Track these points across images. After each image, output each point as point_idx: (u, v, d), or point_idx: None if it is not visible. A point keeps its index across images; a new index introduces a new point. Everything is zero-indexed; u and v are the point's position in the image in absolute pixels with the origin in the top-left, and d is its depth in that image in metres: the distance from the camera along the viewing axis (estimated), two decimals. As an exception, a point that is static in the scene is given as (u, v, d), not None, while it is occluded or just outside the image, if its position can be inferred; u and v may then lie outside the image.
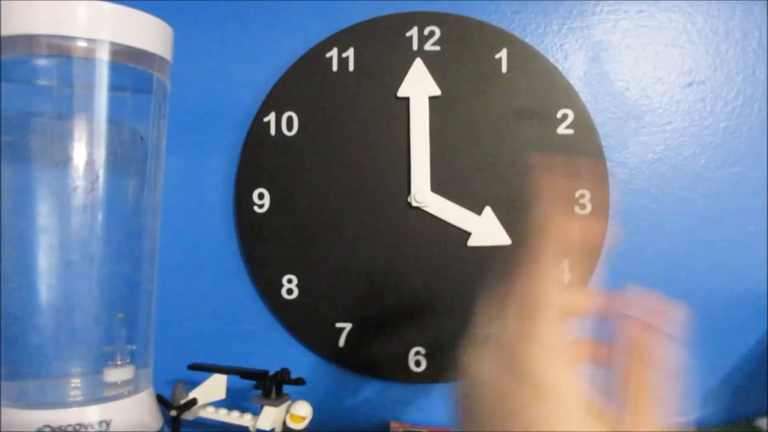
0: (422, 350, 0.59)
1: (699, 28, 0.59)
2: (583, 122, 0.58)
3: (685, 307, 0.54)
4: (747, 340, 0.58)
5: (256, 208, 0.60)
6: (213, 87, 0.61)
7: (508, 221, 0.58)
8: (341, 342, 0.60)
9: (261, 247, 0.60)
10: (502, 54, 0.59)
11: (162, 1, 0.60)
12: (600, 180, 0.58)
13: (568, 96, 0.58)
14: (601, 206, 0.58)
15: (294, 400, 0.49)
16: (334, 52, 0.60)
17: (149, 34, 0.44)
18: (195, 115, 0.61)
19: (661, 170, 0.59)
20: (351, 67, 0.60)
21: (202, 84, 0.61)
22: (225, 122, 0.61)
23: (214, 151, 0.61)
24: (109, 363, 0.45)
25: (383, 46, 0.59)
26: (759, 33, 0.58)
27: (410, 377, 0.59)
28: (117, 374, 0.45)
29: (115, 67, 0.43)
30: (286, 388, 0.50)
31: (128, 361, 0.46)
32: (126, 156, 0.44)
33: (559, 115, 0.58)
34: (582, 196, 0.58)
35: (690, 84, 0.59)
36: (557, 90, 0.58)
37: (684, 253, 0.59)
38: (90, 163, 0.42)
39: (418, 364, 0.59)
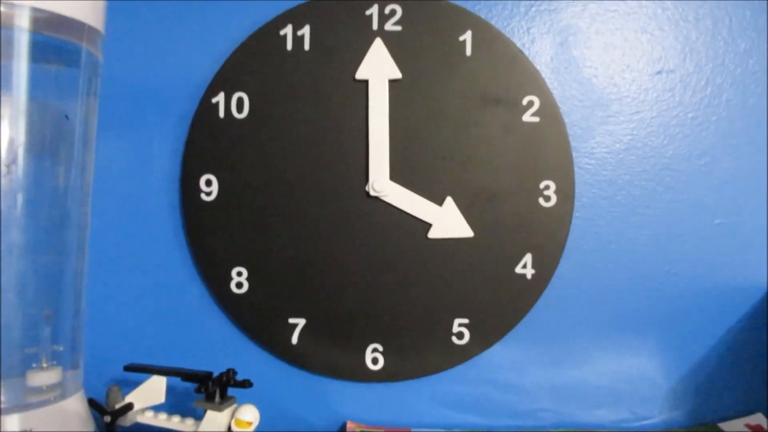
0: (380, 347, 0.56)
1: (669, 14, 0.57)
2: (550, 110, 0.56)
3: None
4: (712, 339, 0.57)
5: (203, 196, 0.56)
6: (157, 65, 0.56)
7: (470, 213, 0.56)
8: (294, 339, 0.56)
9: (208, 238, 0.56)
10: (467, 36, 0.56)
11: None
12: (565, 170, 0.56)
13: (534, 82, 0.56)
14: (566, 198, 0.56)
15: (240, 403, 0.46)
16: (288, 30, 0.56)
17: (77, 1, 0.39)
18: (137, 94, 0.56)
19: (628, 161, 0.57)
20: (307, 46, 0.56)
21: (144, 61, 0.56)
22: (170, 103, 0.56)
23: (157, 134, 0.57)
24: (33, 365, 0.41)
25: (341, 25, 0.56)
26: (729, 21, 0.57)
27: (367, 375, 0.56)
28: (41, 378, 0.41)
29: (37, 37, 0.38)
30: (233, 391, 0.47)
31: (54, 363, 0.42)
32: (49, 136, 0.40)
33: (524, 101, 0.56)
34: (547, 187, 0.56)
35: (659, 72, 0.57)
36: (523, 75, 0.56)
37: (650, 246, 0.57)
38: (7, 144, 0.38)
39: (375, 361, 0.56)
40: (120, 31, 0.56)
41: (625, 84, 0.57)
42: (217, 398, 0.45)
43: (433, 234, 0.56)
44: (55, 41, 0.39)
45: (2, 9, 0.36)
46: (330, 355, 0.56)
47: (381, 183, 0.55)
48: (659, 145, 0.57)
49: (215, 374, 0.47)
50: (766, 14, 0.57)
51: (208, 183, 0.56)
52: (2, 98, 0.38)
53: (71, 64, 0.41)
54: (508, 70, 0.56)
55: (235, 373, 0.47)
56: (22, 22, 0.37)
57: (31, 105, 0.39)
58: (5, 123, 0.37)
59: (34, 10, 0.37)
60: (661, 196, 0.57)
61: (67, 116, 0.40)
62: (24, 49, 0.38)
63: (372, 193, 0.55)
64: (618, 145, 0.57)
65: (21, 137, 0.38)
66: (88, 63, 0.42)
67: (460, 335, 0.56)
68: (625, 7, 0.57)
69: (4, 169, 0.37)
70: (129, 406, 0.45)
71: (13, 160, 0.37)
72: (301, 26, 0.56)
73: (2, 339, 0.40)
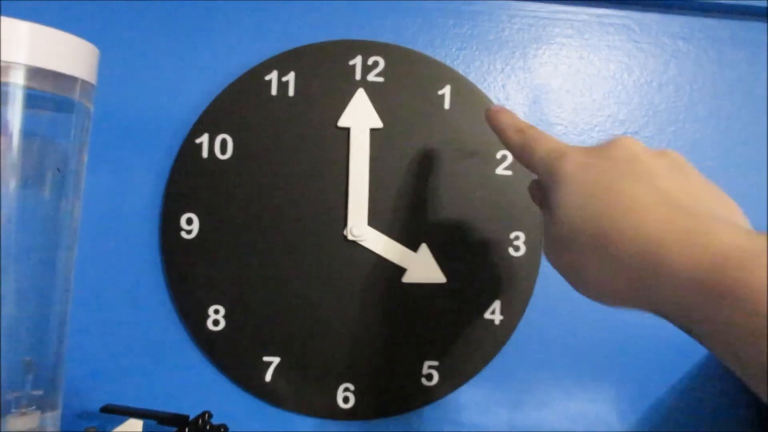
0: (351, 386, 0.58)
1: (635, 79, 0.60)
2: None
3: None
4: (667, 384, 0.60)
5: (183, 234, 0.57)
6: (142, 104, 0.57)
7: (443, 259, 0.58)
8: (268, 376, 0.58)
9: (187, 275, 0.57)
10: (446, 90, 0.58)
11: (90, 15, 0.56)
12: (534, 222, 0.58)
13: (508, 137, 0.58)
14: (534, 248, 0.59)
15: (216, 446, 0.47)
16: (274, 75, 0.57)
17: (72, 56, 0.40)
18: (121, 133, 0.57)
19: (593, 215, 0.60)
20: (291, 92, 0.57)
21: (130, 100, 0.57)
22: (153, 142, 0.57)
23: (140, 171, 0.57)
24: (12, 410, 0.41)
25: (325, 73, 0.58)
26: (690, 88, 0.61)
27: (338, 414, 0.58)
28: (20, 423, 0.41)
29: (32, 93, 0.39)
30: (208, 433, 0.48)
31: (33, 408, 0.42)
32: (41, 184, 0.41)
33: (498, 155, 0.58)
34: (516, 237, 0.58)
35: (624, 133, 0.60)
36: (498, 130, 0.58)
37: (610, 296, 0.60)
38: (-2, 196, 0.38)
39: (346, 400, 0.58)
40: (106, 70, 0.56)
41: (593, 142, 0.60)
42: (194, 442, 0.46)
43: (407, 278, 0.58)
44: (48, 96, 0.40)
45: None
46: (302, 393, 0.58)
47: (359, 228, 0.57)
48: (622, 201, 0.60)
49: (191, 415, 0.48)
50: (726, 82, 0.61)
51: (189, 221, 0.57)
52: (-5, 150, 0.38)
53: (63, 114, 0.42)
54: (484, 125, 0.58)
55: (210, 415, 0.48)
56: (17, 78, 0.38)
57: (22, 154, 0.39)
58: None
59: (30, 67, 0.38)
60: (623, 249, 0.60)
61: (59, 169, 0.41)
62: (18, 105, 0.39)
63: (350, 237, 0.57)
64: (584, 199, 0.60)
65: (11, 186, 0.39)
66: (80, 113, 0.43)
67: (429, 377, 0.58)
68: (594, 70, 0.60)
69: (-6, 223, 0.38)
70: (105, 449, 0.46)
71: (5, 213, 0.38)
72: (287, 72, 0.57)
73: (-17, 385, 0.40)
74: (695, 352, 0.60)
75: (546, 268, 0.58)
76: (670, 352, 0.60)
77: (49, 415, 0.44)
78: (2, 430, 0.41)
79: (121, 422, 0.47)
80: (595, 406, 0.60)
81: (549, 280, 0.60)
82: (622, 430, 0.60)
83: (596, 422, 0.60)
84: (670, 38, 0.61)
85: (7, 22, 0.37)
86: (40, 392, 0.43)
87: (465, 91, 0.58)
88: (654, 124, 0.60)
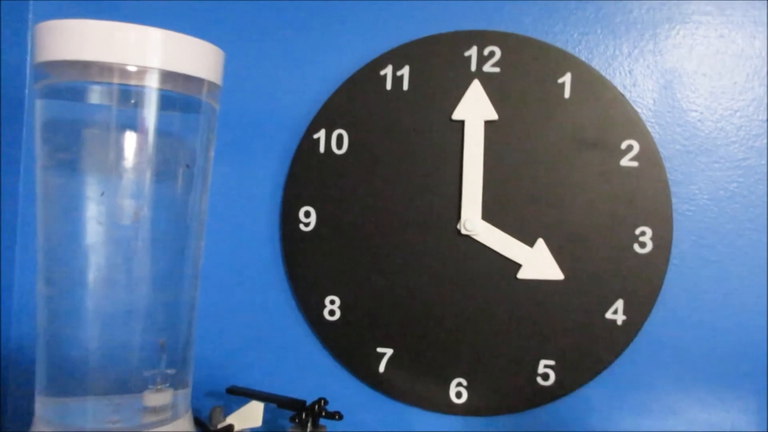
0: (464, 382, 0.58)
1: (785, 57, 0.54)
2: (650, 154, 0.54)
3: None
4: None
5: (302, 226, 0.59)
6: (263, 101, 0.60)
7: (561, 255, 0.56)
8: (381, 367, 0.58)
9: (305, 266, 0.59)
10: (566, 78, 0.56)
11: (216, 14, 0.60)
12: (663, 217, 0.54)
13: (634, 126, 0.55)
14: (662, 245, 0.54)
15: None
16: (388, 70, 0.58)
17: (199, 59, 0.43)
18: (244, 129, 0.60)
19: (732, 209, 0.55)
20: (405, 86, 0.58)
21: (251, 97, 0.60)
22: (274, 137, 0.60)
23: (261, 167, 0.60)
24: (149, 387, 0.45)
25: (440, 66, 0.57)
26: None
27: (451, 408, 0.58)
28: (156, 399, 0.45)
29: (164, 93, 0.42)
30: (324, 420, 0.50)
31: (168, 385, 0.46)
32: (173, 179, 0.44)
33: (623, 146, 0.55)
34: (642, 233, 0.55)
35: (771, 119, 0.54)
36: (623, 119, 0.55)
37: (749, 300, 0.55)
38: (136, 186, 0.42)
39: (459, 395, 0.58)
40: (231, 69, 0.60)
41: (733, 129, 0.55)
42: (309, 427, 0.48)
43: (522, 275, 0.56)
44: (179, 96, 0.43)
45: (135, 69, 0.40)
46: (415, 386, 0.58)
47: (473, 222, 0.56)
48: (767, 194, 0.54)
49: (308, 401, 0.50)
50: None
51: (307, 214, 0.59)
52: (132, 146, 0.42)
53: (192, 114, 0.45)
54: (607, 114, 0.55)
55: (326, 402, 0.49)
56: (152, 82, 0.41)
57: (156, 151, 0.43)
58: (135, 168, 0.42)
59: (163, 71, 0.41)
60: (766, 247, 0.54)
61: (188, 165, 0.44)
62: (153, 105, 0.42)
63: (463, 231, 0.56)
64: (722, 192, 0.55)
65: (148, 181, 0.42)
66: (206, 112, 0.46)
67: (545, 376, 0.56)
68: (736, 49, 0.55)
69: (133, 214, 0.41)
70: (230, 428, 0.49)
71: (142, 204, 0.42)
72: (401, 66, 0.58)
73: (123, 362, 0.44)
74: None
75: (676, 265, 0.54)
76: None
77: (180, 392, 0.47)
78: (142, 405, 0.45)
79: (244, 403, 0.50)
80: (730, 416, 0.55)
81: (679, 279, 0.55)
82: (763, 446, 0.55)
83: (733, 436, 0.55)
84: (829, 10, 0.54)
85: (142, 30, 0.40)
86: (173, 371, 0.46)
87: (587, 78, 0.55)
88: (808, 108, 0.54)
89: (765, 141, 0.54)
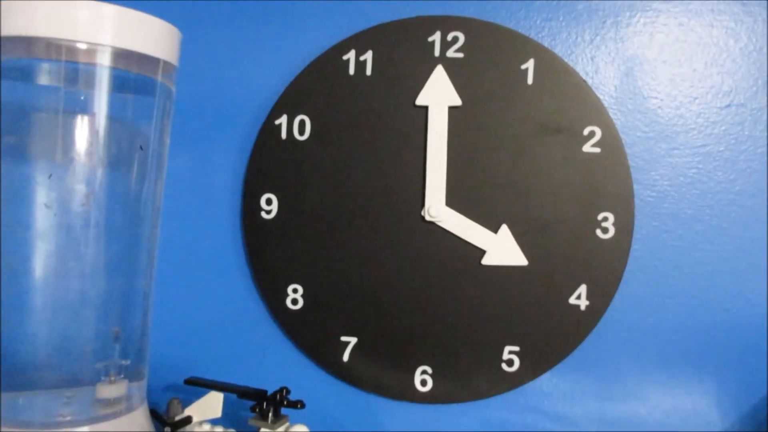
0: (429, 369, 0.57)
1: (742, 45, 0.55)
2: (611, 141, 0.55)
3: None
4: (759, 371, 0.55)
5: (263, 214, 0.58)
6: (223, 87, 0.59)
7: (525, 241, 0.56)
8: (346, 356, 0.58)
9: (267, 255, 0.58)
10: (529, 64, 0.55)
11: (173, 1, 0.58)
12: (625, 203, 0.55)
13: (596, 112, 0.55)
14: (624, 230, 0.55)
15: (293, 422, 0.48)
16: (351, 55, 0.57)
17: (155, 38, 0.41)
18: (203, 115, 0.59)
19: (692, 195, 0.56)
20: (369, 72, 0.57)
21: (211, 83, 0.59)
22: (234, 123, 0.58)
23: (221, 153, 0.59)
24: (102, 379, 0.43)
25: (403, 51, 0.56)
26: (807, 53, 0.54)
27: (415, 396, 0.57)
28: (110, 391, 0.43)
29: (117, 73, 0.40)
30: (286, 409, 0.49)
31: (122, 376, 0.44)
32: (126, 163, 0.42)
33: (586, 132, 0.55)
34: (605, 219, 0.55)
35: (728, 105, 0.55)
36: (585, 105, 0.55)
37: (710, 284, 0.55)
38: (87, 170, 0.40)
39: (424, 383, 0.57)
40: (189, 53, 0.58)
41: (692, 116, 0.55)
42: (271, 417, 0.47)
43: (487, 261, 0.56)
44: (133, 76, 0.41)
45: (86, 47, 0.39)
46: (380, 375, 0.57)
47: (437, 208, 0.56)
48: (726, 180, 0.55)
49: (269, 391, 0.48)
50: None
51: (269, 202, 0.58)
52: (83, 127, 0.40)
53: (147, 95, 0.43)
54: (570, 100, 0.55)
55: (288, 391, 0.48)
56: (104, 59, 0.39)
57: (108, 134, 0.41)
58: (86, 150, 0.40)
59: (115, 48, 0.39)
60: (725, 233, 0.55)
61: (141, 147, 0.42)
62: (104, 84, 0.40)
63: (427, 218, 0.56)
64: (682, 179, 0.56)
65: (100, 164, 0.40)
66: (162, 94, 0.44)
67: (510, 362, 0.56)
68: (696, 38, 0.55)
69: (83, 199, 0.40)
70: (188, 419, 0.48)
71: (92, 188, 0.40)
72: (364, 52, 0.57)
73: (75, 354, 0.42)
74: (809, 346, 0.55)
75: (638, 250, 0.55)
76: (778, 345, 0.55)
77: (136, 384, 0.46)
78: (95, 397, 0.43)
79: (203, 394, 0.49)
80: (692, 400, 0.56)
81: (641, 264, 0.56)
82: (722, 425, 0.56)
83: (693, 418, 0.56)
84: (784, -1, 0.55)
85: (93, 5, 0.38)
86: (128, 362, 0.45)
87: (550, 64, 0.55)
88: (762, 95, 0.55)
89: (723, 128, 0.55)
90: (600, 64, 0.56)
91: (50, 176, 0.39)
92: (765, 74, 0.55)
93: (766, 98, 0.55)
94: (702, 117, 0.55)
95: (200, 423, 0.49)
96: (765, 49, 0.55)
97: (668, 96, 0.56)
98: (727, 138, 0.55)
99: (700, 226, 0.56)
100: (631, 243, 0.55)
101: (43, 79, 0.40)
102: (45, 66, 0.40)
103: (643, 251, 0.56)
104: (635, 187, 0.56)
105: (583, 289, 0.56)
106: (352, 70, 0.57)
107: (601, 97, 0.56)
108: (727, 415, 0.56)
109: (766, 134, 0.55)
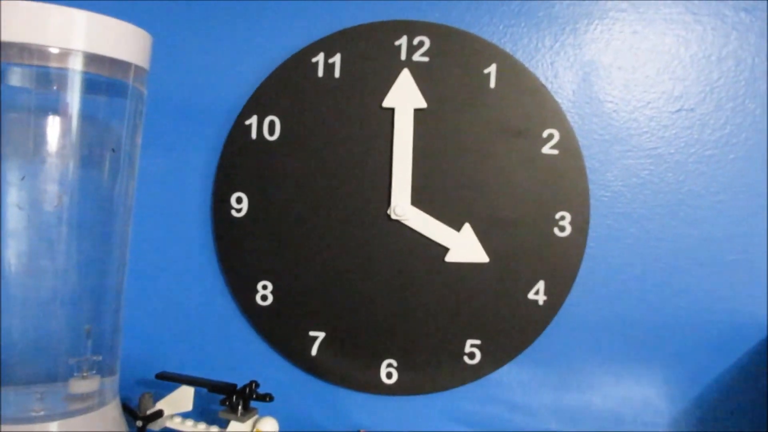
0: (394, 362, 0.59)
1: (692, 53, 0.58)
2: (569, 143, 0.57)
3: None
4: (717, 371, 0.59)
5: (233, 212, 0.59)
6: (193, 87, 0.60)
7: (486, 239, 0.58)
8: (314, 351, 0.60)
9: (237, 252, 0.59)
10: (491, 69, 0.58)
11: (144, 1, 0.59)
12: (581, 202, 0.57)
13: (555, 116, 0.57)
14: (580, 228, 0.58)
15: (262, 415, 0.49)
16: (320, 57, 0.58)
17: (126, 43, 0.42)
18: (174, 114, 0.60)
19: (644, 195, 0.59)
20: (337, 74, 0.58)
21: (182, 84, 0.59)
22: (205, 123, 0.60)
23: (192, 152, 0.60)
24: (74, 374, 0.45)
25: (371, 54, 0.58)
26: (752, 61, 0.58)
27: (381, 389, 0.59)
28: (82, 386, 0.44)
29: (88, 77, 0.41)
30: (255, 402, 0.50)
31: (94, 372, 0.45)
32: (98, 164, 0.43)
33: (545, 134, 0.58)
34: (562, 217, 0.58)
35: (679, 110, 0.58)
36: (545, 109, 0.57)
37: (660, 279, 0.59)
38: (60, 172, 0.41)
39: (389, 376, 0.59)
40: (159, 54, 0.59)
41: (645, 120, 0.58)
42: (240, 410, 0.49)
43: (450, 258, 0.58)
44: (104, 80, 0.42)
45: (57, 51, 0.40)
46: (347, 368, 0.59)
47: (402, 207, 0.58)
48: (675, 181, 0.58)
49: (239, 385, 0.50)
50: (790, 56, 0.58)
51: (239, 200, 0.59)
52: (55, 130, 0.41)
53: (118, 98, 0.44)
54: (530, 103, 0.58)
55: (257, 385, 0.50)
56: (76, 64, 0.40)
57: (80, 136, 0.42)
58: (58, 152, 0.41)
59: (87, 54, 0.40)
60: (675, 230, 0.58)
61: (113, 149, 0.43)
62: (76, 88, 0.41)
63: (393, 216, 0.58)
64: (635, 180, 0.59)
65: (72, 165, 0.41)
66: (134, 97, 0.45)
67: (471, 355, 0.59)
68: (649, 45, 0.58)
69: (55, 198, 0.41)
70: (159, 413, 0.49)
71: (65, 188, 0.41)
72: (333, 54, 0.58)
73: (48, 350, 0.44)
74: (750, 335, 0.58)
75: (592, 248, 0.58)
76: (723, 334, 0.58)
77: (108, 379, 0.47)
78: (68, 392, 0.44)
79: (174, 389, 0.50)
80: (642, 389, 0.59)
81: (595, 261, 0.59)
82: (670, 414, 0.59)
83: (644, 406, 0.59)
84: (731, 10, 0.58)
85: (66, 11, 0.39)
86: (100, 358, 0.46)
87: (512, 69, 0.58)
88: (711, 100, 0.58)
89: (674, 131, 0.58)
90: (559, 69, 0.59)
91: (23, 178, 0.40)
92: (713, 81, 0.58)
93: (713, 103, 0.58)
94: (654, 121, 0.58)
95: (171, 417, 0.50)
96: (713, 57, 0.58)
97: (623, 100, 0.58)
98: (677, 141, 0.58)
99: (651, 225, 0.59)
100: (587, 241, 0.58)
101: (15, 82, 0.41)
102: (17, 70, 0.40)
103: (598, 249, 0.59)
104: (591, 187, 0.58)
105: (541, 285, 0.58)
106: (320, 72, 0.58)
107: (559, 101, 0.58)
108: (675, 403, 0.59)
109: (713, 138, 0.58)
